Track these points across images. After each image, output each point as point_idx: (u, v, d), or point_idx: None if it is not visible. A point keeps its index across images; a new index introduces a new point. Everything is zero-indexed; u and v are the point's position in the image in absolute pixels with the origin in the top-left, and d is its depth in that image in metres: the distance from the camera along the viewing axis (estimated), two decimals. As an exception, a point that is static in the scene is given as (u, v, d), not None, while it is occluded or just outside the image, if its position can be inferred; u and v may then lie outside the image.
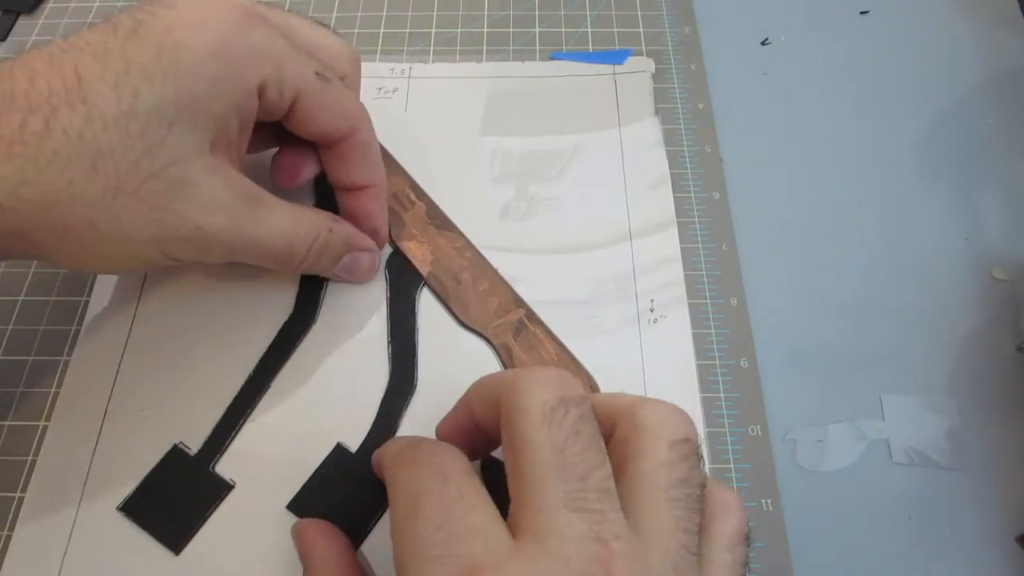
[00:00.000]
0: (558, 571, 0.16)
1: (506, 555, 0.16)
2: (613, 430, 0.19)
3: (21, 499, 0.26)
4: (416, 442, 0.20)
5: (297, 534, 0.23)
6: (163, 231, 0.21)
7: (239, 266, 0.30)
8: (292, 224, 0.25)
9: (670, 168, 0.32)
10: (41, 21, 0.39)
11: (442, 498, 0.17)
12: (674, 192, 0.32)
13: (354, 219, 0.28)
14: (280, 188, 0.27)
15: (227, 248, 0.23)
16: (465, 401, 0.22)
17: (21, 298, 0.30)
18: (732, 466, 0.26)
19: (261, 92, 0.22)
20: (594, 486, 0.17)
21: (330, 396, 0.27)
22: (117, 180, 0.20)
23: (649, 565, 0.17)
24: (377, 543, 0.25)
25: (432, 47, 0.37)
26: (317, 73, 0.23)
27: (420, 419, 0.27)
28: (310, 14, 0.38)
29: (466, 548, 0.16)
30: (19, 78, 0.19)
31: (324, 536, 0.23)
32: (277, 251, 0.25)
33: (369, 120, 0.27)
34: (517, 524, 0.17)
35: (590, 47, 0.36)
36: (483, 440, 0.22)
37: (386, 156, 0.33)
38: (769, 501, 0.26)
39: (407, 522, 0.18)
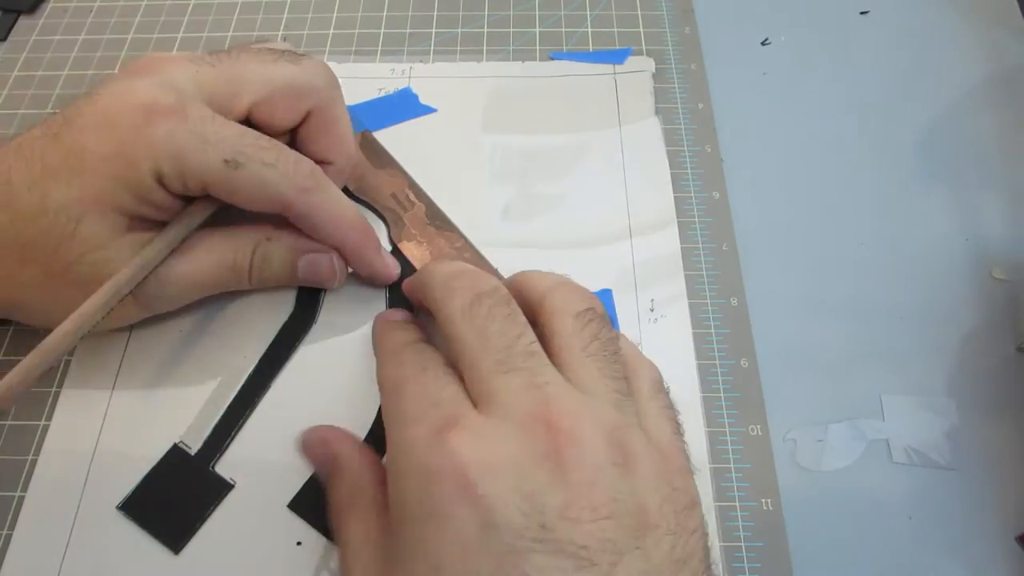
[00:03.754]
0: (507, 418, 0.19)
1: (469, 413, 0.20)
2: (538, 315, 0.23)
3: (21, 499, 0.26)
4: (404, 345, 0.24)
5: (315, 440, 0.25)
6: None
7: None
8: (225, 242, 0.26)
9: (670, 168, 0.32)
10: (41, 21, 0.39)
11: (423, 380, 0.21)
12: (674, 192, 0.32)
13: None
14: None
15: (169, 298, 0.26)
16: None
17: (21, 298, 0.30)
18: (732, 466, 0.26)
19: (161, 182, 0.23)
20: (519, 351, 0.21)
21: (330, 396, 0.27)
22: (44, 267, 0.23)
23: (587, 401, 0.20)
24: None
25: (432, 47, 0.37)
26: (226, 161, 0.23)
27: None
28: (310, 16, 0.38)
29: (438, 411, 0.20)
30: None
31: (347, 438, 0.25)
32: (222, 273, 0.26)
33: (318, 182, 0.25)
34: (471, 398, 0.21)
35: (590, 47, 0.36)
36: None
37: (386, 156, 0.33)
38: (769, 501, 0.26)
39: (394, 403, 0.21)
